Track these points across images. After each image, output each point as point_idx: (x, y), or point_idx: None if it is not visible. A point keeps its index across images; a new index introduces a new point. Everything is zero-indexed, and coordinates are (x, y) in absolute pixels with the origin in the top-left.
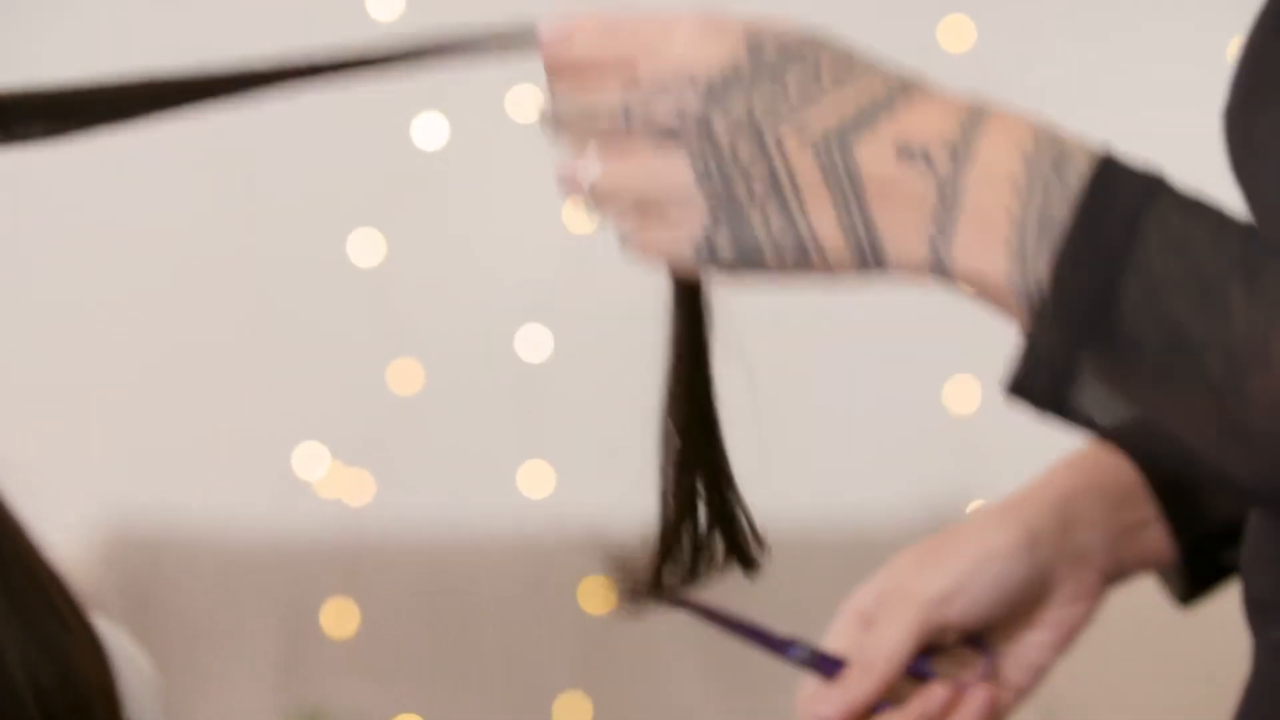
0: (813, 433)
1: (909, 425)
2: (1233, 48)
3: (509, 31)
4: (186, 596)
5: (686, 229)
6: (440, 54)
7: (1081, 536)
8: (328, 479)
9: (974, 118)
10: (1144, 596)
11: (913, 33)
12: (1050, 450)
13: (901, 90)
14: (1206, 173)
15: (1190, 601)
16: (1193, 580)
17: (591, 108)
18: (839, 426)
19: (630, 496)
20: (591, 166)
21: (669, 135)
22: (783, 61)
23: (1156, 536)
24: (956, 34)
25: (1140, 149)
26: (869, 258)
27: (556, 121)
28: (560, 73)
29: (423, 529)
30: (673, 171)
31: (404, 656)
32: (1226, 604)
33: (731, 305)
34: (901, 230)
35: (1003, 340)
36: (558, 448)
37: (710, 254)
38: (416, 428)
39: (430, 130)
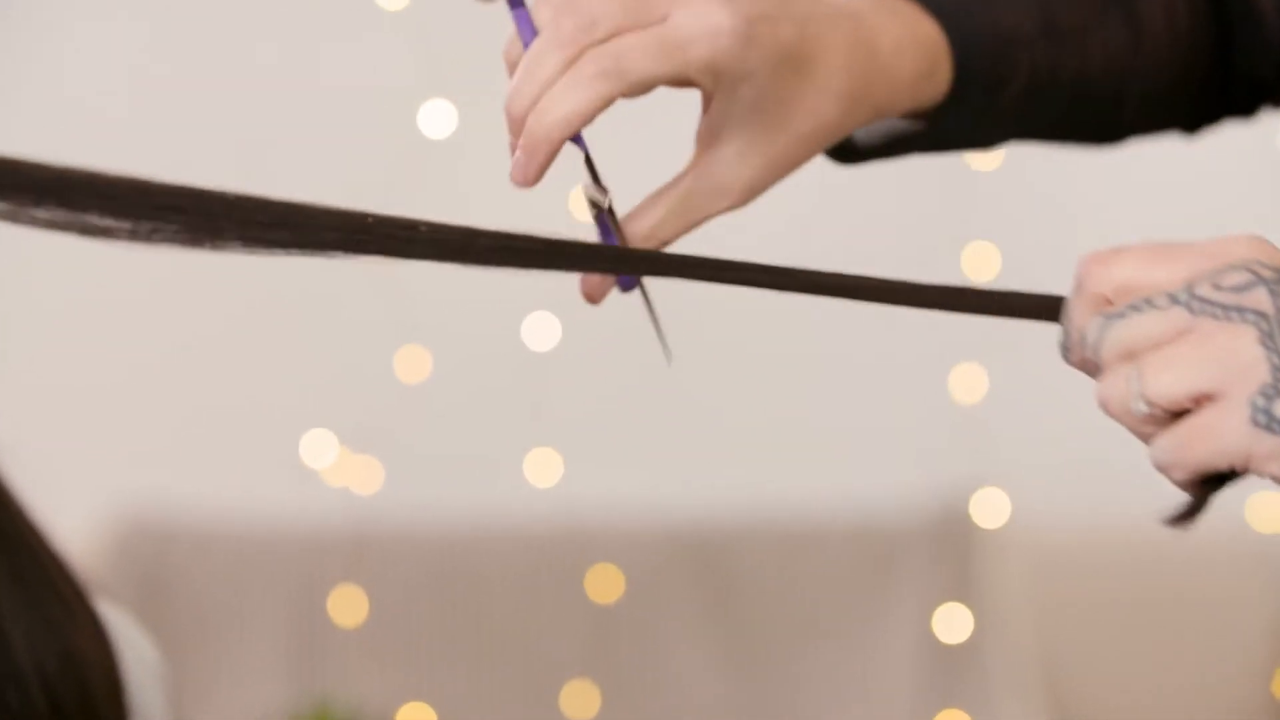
0: (820, 421)
1: (915, 413)
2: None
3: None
4: (196, 585)
5: (1236, 404)
6: (972, 308)
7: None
8: (336, 466)
9: None
10: (1159, 595)
11: None
12: (1056, 437)
13: None
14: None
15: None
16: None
17: (1143, 322)
18: (846, 415)
19: (637, 484)
20: (1139, 381)
21: (1231, 316)
22: None
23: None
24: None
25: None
26: None
27: (1095, 346)
28: (1089, 298)
29: (430, 517)
30: (1238, 348)
31: (412, 644)
32: (1244, 617)
33: (738, 297)
34: None
35: (1009, 330)
36: (565, 436)
37: (1268, 418)
38: (424, 415)
39: (438, 118)
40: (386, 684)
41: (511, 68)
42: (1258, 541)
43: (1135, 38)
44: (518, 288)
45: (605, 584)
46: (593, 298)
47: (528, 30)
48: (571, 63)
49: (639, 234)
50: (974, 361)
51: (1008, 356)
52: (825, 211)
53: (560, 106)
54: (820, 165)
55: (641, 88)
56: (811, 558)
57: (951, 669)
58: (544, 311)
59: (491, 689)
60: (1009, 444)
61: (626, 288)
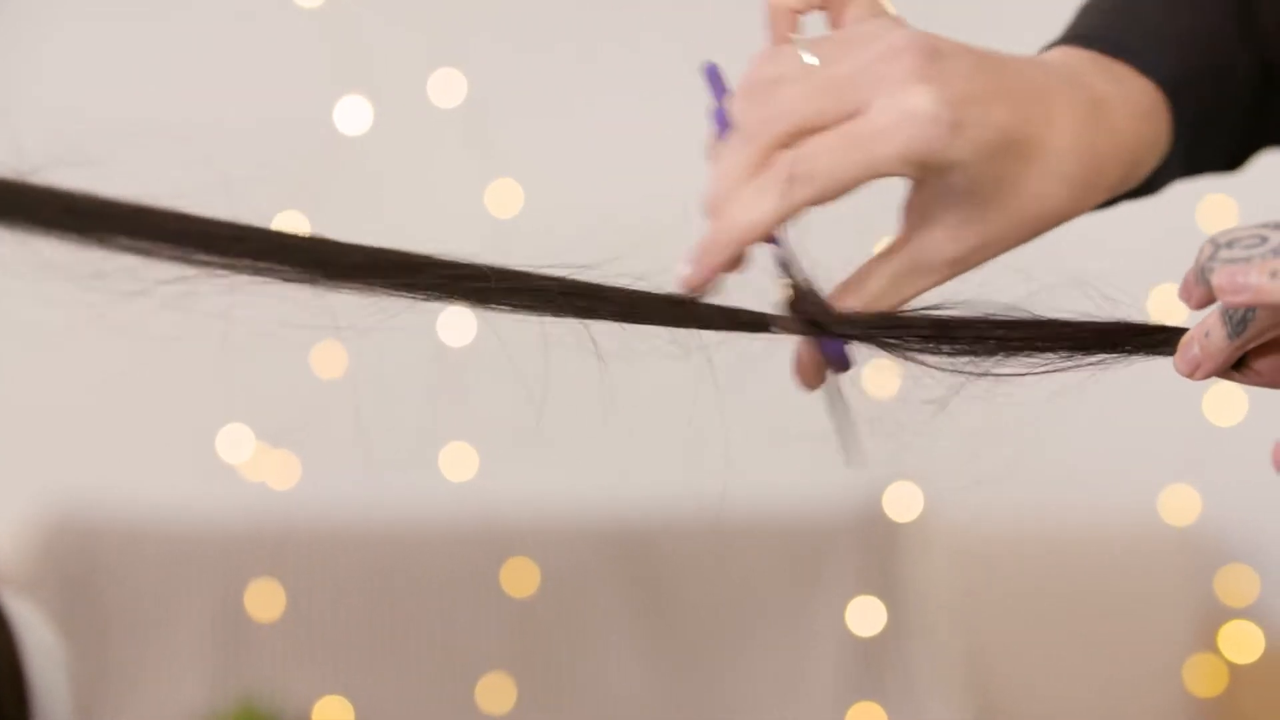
0: (737, 417)
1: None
2: None
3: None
4: (118, 581)
5: None
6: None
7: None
8: (252, 462)
9: None
10: (1075, 587)
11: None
12: (971, 431)
13: None
14: None
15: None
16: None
17: None
18: (762, 410)
19: (552, 479)
20: None
21: None
22: None
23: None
24: None
25: None
26: None
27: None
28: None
29: (347, 512)
30: None
31: (329, 638)
32: (1155, 616)
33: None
34: None
35: None
36: (480, 431)
37: None
38: (340, 411)
39: (354, 114)
40: (304, 678)
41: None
42: (1171, 534)
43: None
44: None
45: (521, 578)
46: (809, 385)
47: (722, 124)
48: (759, 162)
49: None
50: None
51: None
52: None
53: (745, 212)
54: None
55: (835, 191)
56: (731, 553)
57: (870, 662)
58: (459, 307)
59: (408, 682)
60: (923, 438)
61: (840, 368)
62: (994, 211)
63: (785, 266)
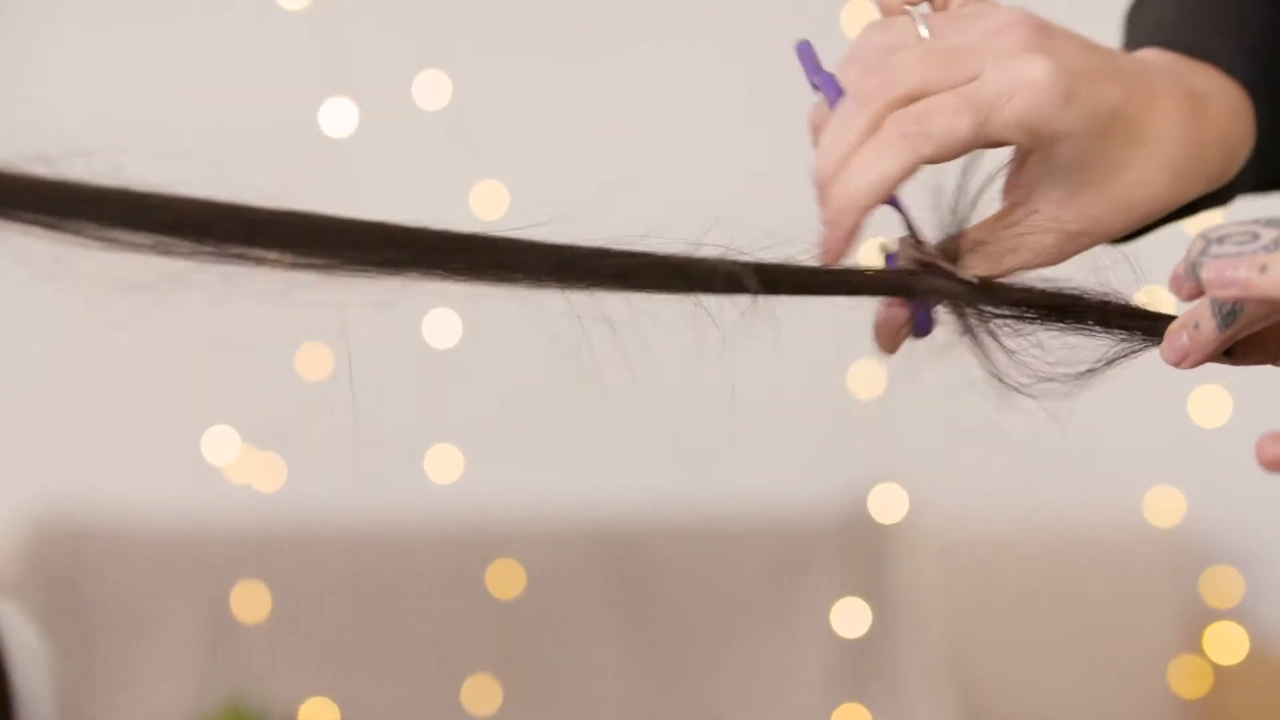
0: (722, 418)
1: (816, 410)
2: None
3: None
4: (105, 584)
5: None
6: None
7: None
8: (238, 464)
9: None
10: (1061, 588)
11: (816, 19)
12: (956, 433)
13: None
14: None
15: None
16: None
17: None
18: (747, 411)
19: (537, 481)
20: None
21: None
22: None
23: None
24: (860, 20)
25: None
26: None
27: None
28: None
29: (332, 513)
30: None
31: (314, 640)
32: (1148, 615)
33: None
34: None
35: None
36: (466, 432)
37: None
38: (326, 412)
39: (338, 116)
40: (290, 679)
41: (815, 132)
42: (1156, 535)
43: None
44: (419, 285)
45: (506, 580)
46: (889, 348)
47: (833, 91)
48: (876, 124)
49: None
50: (869, 358)
51: (905, 350)
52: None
53: (865, 174)
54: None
55: (950, 150)
56: (716, 554)
57: (855, 664)
58: (444, 309)
59: (394, 684)
60: (908, 440)
61: (922, 333)
62: (1100, 192)
63: (908, 226)
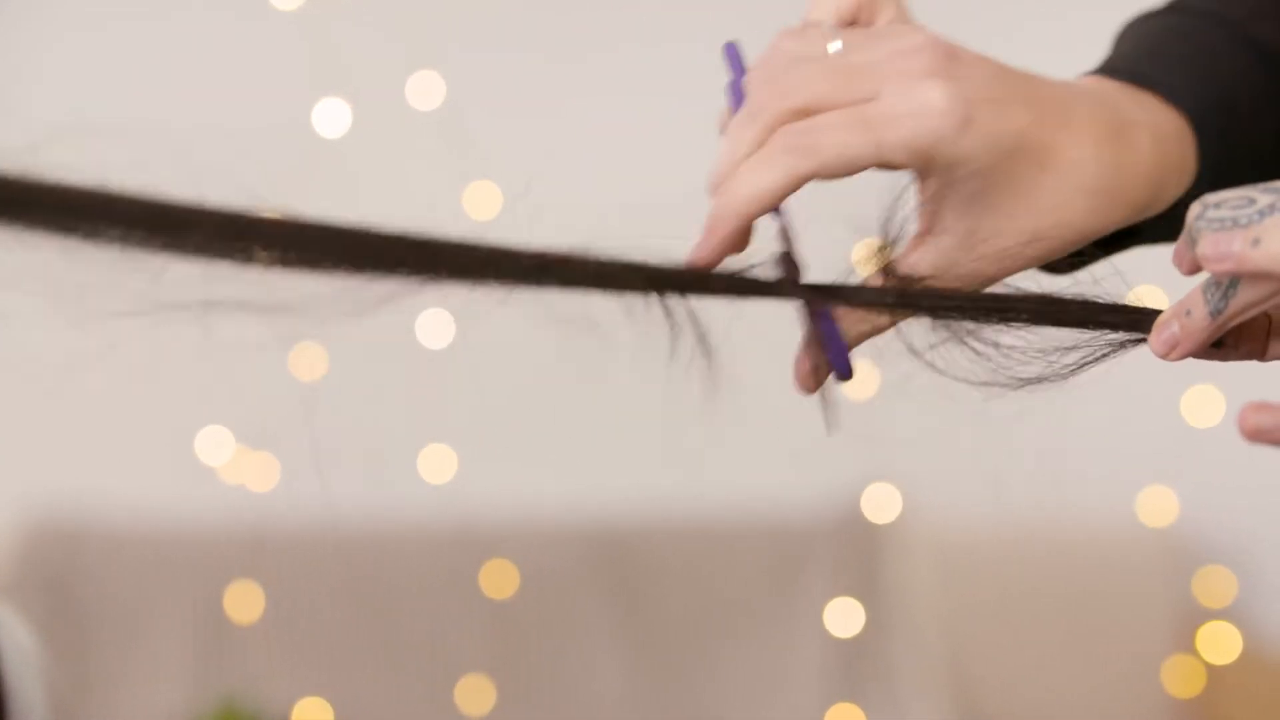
0: (714, 418)
1: (810, 411)
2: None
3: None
4: (99, 584)
5: None
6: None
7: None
8: (232, 464)
9: None
10: (1055, 588)
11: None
12: (950, 433)
13: None
14: None
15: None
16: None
17: None
18: (741, 412)
19: (531, 481)
20: None
21: None
22: None
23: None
24: None
25: None
26: None
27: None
28: None
29: (326, 513)
30: None
31: (308, 640)
32: (1142, 615)
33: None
34: None
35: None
36: (459, 432)
37: None
38: (320, 412)
39: (332, 116)
40: (284, 679)
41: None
42: (1149, 535)
43: None
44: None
45: (500, 580)
46: (808, 388)
47: (736, 97)
48: (766, 134)
49: (854, 315)
50: (865, 358)
51: (891, 354)
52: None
53: (746, 185)
54: None
55: (838, 167)
56: (711, 554)
57: (849, 664)
58: (438, 309)
59: (388, 684)
60: (901, 440)
61: (842, 376)
62: (1007, 218)
63: (786, 239)
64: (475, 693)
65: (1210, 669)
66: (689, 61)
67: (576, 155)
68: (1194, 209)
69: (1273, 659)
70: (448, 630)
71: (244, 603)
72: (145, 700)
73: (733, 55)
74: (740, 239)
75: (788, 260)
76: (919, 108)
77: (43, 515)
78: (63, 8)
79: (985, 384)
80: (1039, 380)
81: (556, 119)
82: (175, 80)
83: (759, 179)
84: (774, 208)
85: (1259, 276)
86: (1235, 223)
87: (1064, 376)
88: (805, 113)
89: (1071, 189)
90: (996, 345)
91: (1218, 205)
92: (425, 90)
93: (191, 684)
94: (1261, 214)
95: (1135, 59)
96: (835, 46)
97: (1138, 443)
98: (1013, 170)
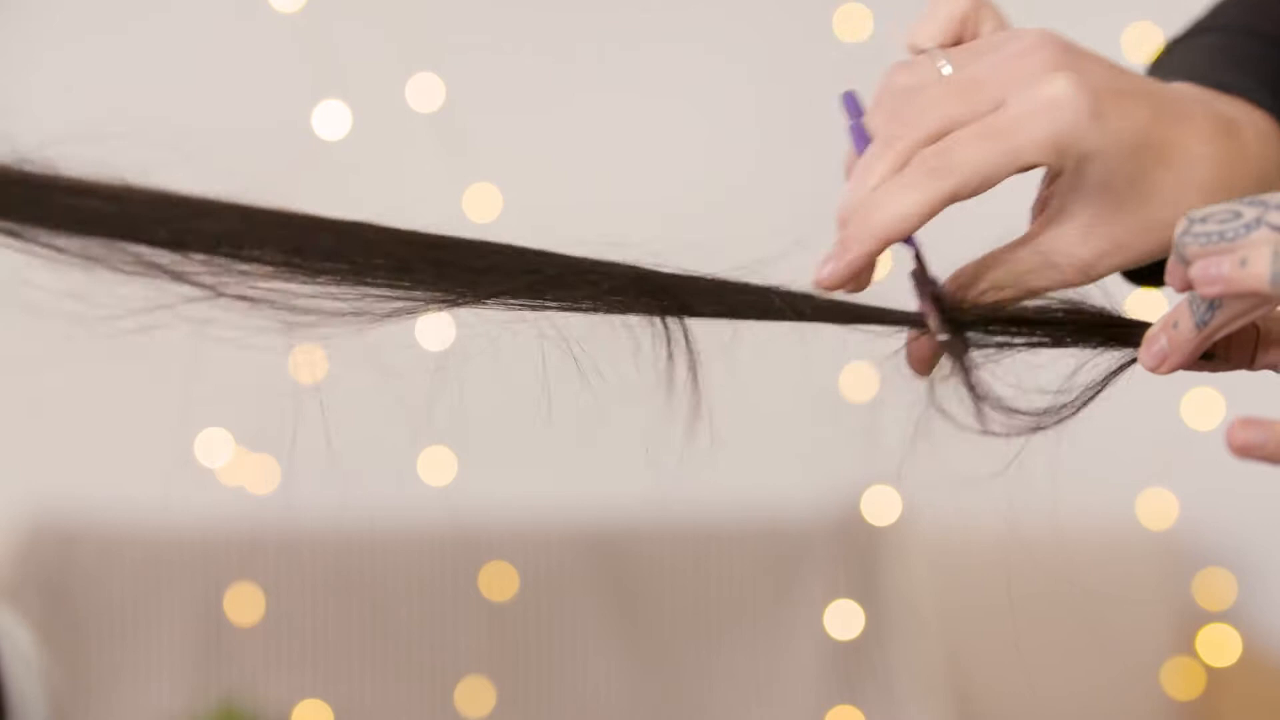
0: (713, 420)
1: (808, 412)
2: (1128, 35)
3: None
4: (97, 586)
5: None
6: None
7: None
8: (231, 466)
9: None
10: (1055, 591)
11: (809, 21)
12: (949, 435)
13: None
14: None
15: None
16: None
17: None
18: (739, 414)
19: (531, 483)
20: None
21: None
22: None
23: None
24: (852, 23)
25: None
26: None
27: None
28: None
29: (326, 515)
30: None
31: (308, 642)
32: (1143, 619)
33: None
34: None
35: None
36: (459, 435)
37: None
38: (319, 414)
39: (332, 119)
40: (283, 682)
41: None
42: (1148, 538)
43: None
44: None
45: (500, 582)
46: (921, 370)
47: (860, 140)
48: (902, 163)
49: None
50: (862, 361)
51: (890, 356)
52: (754, 196)
53: (886, 207)
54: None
55: (979, 180)
56: (709, 556)
57: (848, 666)
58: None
59: (387, 686)
60: (901, 442)
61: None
62: (1128, 213)
63: (921, 269)
64: (475, 694)
65: (1210, 671)
66: (689, 62)
67: (576, 156)
68: (1179, 224)
69: (1273, 661)
70: (447, 632)
71: (243, 604)
72: (144, 702)
73: (850, 103)
74: (871, 265)
75: (930, 290)
76: (1048, 102)
77: (42, 516)
78: (63, 8)
79: (1000, 431)
80: (1047, 418)
81: (556, 121)
82: (175, 81)
83: (900, 201)
84: (913, 231)
85: (1245, 295)
86: (1222, 237)
87: (1071, 412)
88: (939, 135)
89: (1190, 184)
90: (998, 401)
91: (1204, 219)
92: (425, 92)
93: (191, 686)
94: (1248, 228)
95: (1206, 69)
96: (946, 69)
97: (1138, 445)
98: (1137, 164)
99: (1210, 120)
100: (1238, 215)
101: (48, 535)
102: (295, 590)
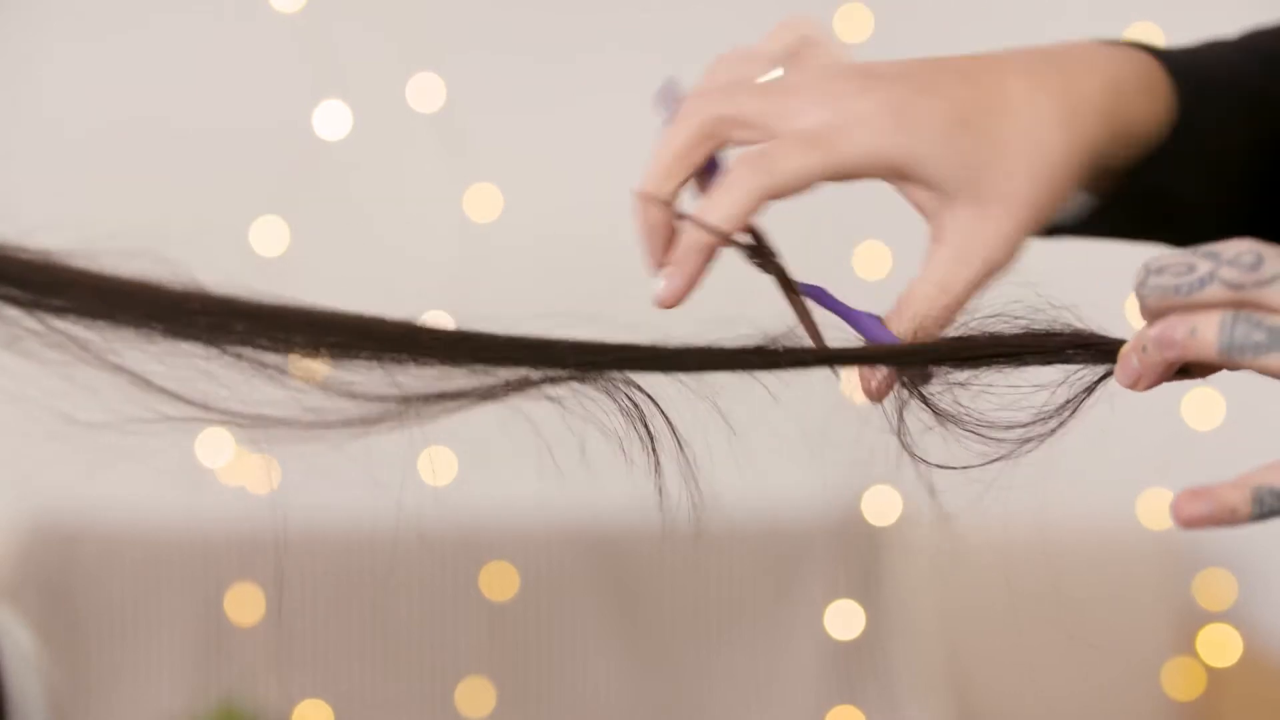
0: (714, 419)
1: (811, 411)
2: (1128, 36)
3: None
4: (98, 586)
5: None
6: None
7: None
8: (231, 466)
9: None
10: (1055, 591)
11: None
12: (944, 432)
13: None
14: None
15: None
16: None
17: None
18: (741, 413)
19: (531, 483)
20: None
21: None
22: None
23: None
24: (855, 23)
25: None
26: None
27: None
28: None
29: (326, 515)
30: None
31: (308, 642)
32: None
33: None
34: None
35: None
36: (459, 434)
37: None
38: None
39: (332, 119)
40: (284, 682)
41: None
42: (1149, 538)
43: None
44: (410, 285)
45: (500, 582)
46: (876, 397)
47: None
48: (693, 139)
49: (906, 337)
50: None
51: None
52: None
53: (712, 215)
54: None
55: (793, 185)
56: (710, 557)
57: (848, 666)
58: (438, 310)
59: (388, 686)
60: (901, 443)
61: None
62: (991, 186)
63: (762, 252)
64: (475, 694)
65: (1210, 671)
66: (689, 63)
67: (576, 156)
68: (1138, 273)
69: (1273, 662)
70: (447, 632)
71: (244, 604)
72: (145, 702)
73: (668, 93)
74: (703, 270)
75: (777, 267)
76: (856, 119)
77: (43, 517)
78: (64, 9)
79: (984, 460)
80: (1029, 439)
81: (556, 121)
82: (176, 82)
83: (722, 205)
84: (738, 228)
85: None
86: (1176, 291)
87: (1052, 430)
88: (734, 122)
89: (1039, 123)
90: (983, 423)
91: (1159, 271)
92: (425, 92)
93: (191, 686)
94: (1202, 282)
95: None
96: (774, 71)
97: (1138, 445)
98: (964, 143)
99: (1029, 59)
100: (1191, 269)
101: (48, 535)
102: (295, 590)
